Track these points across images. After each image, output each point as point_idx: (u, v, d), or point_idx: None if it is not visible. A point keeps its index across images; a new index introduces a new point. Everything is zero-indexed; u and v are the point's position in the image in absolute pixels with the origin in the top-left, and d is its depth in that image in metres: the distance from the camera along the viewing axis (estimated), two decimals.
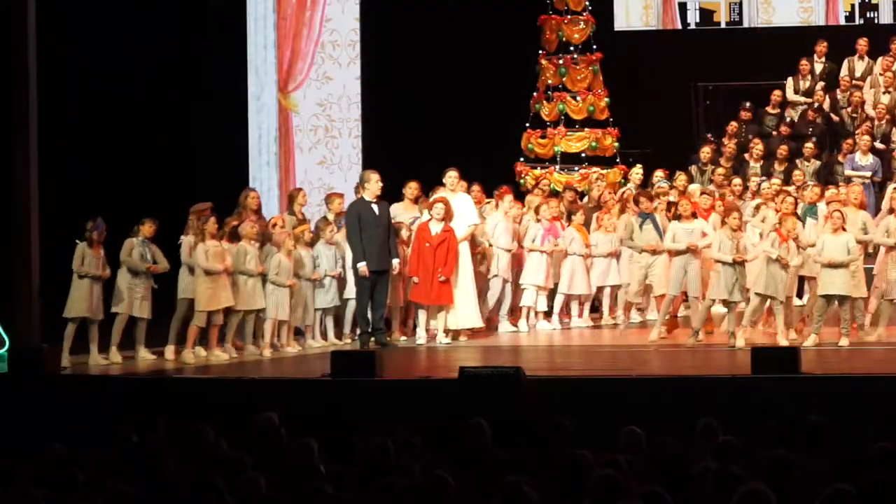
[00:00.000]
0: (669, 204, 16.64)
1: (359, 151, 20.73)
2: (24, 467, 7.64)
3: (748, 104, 20.43)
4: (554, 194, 18.53)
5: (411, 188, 16.23)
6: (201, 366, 14.43)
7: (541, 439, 8.83)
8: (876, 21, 21.63)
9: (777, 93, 20.60)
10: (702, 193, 17.07)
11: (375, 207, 15.51)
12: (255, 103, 20.77)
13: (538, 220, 16.95)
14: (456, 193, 16.10)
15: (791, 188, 17.49)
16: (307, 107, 20.80)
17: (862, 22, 21.66)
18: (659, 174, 18.57)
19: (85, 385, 13.47)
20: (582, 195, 19.05)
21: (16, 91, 14.68)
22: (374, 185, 15.55)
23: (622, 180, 19.63)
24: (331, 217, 16.31)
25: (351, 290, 15.92)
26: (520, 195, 18.18)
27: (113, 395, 12.83)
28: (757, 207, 16.75)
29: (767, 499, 6.36)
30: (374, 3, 20.82)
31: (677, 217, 15.64)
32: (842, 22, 21.75)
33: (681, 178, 18.12)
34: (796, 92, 20.61)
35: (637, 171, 18.93)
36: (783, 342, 14.34)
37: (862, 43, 20.63)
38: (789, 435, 8.70)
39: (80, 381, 13.65)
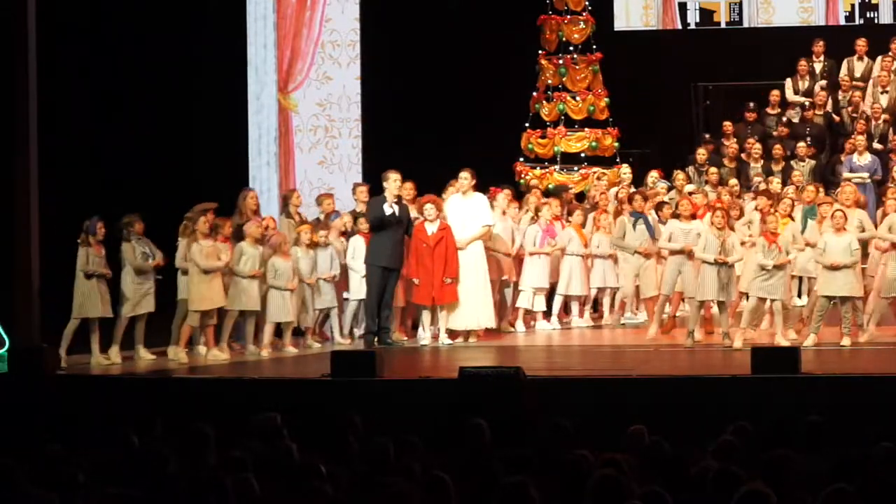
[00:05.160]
0: (660, 204, 16.63)
1: (359, 151, 20.72)
2: (24, 467, 7.63)
3: (752, 104, 20.42)
4: (549, 194, 18.46)
5: (406, 189, 16.20)
6: (201, 366, 14.44)
7: (541, 439, 8.82)
8: (876, 21, 21.63)
9: (775, 93, 20.59)
10: (692, 193, 17.07)
11: (395, 207, 15.57)
12: (255, 103, 20.77)
13: (535, 221, 16.93)
14: (468, 195, 16.08)
15: (790, 189, 17.50)
16: (307, 107, 20.79)
17: (862, 22, 21.66)
18: (654, 175, 18.59)
19: (85, 385, 13.47)
20: (581, 195, 19.04)
21: (16, 91, 14.67)
22: (393, 184, 15.64)
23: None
24: (322, 217, 16.31)
25: (356, 291, 15.94)
26: (519, 195, 18.17)
27: (113, 395, 12.83)
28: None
29: (767, 499, 6.36)
30: (374, 3, 20.82)
31: (676, 216, 15.64)
32: (842, 22, 21.74)
33: (679, 177, 18.12)
34: (796, 92, 20.60)
35: (625, 171, 18.98)
36: (783, 342, 14.33)
37: (861, 43, 20.63)
38: (789, 435, 8.70)
39: (80, 381, 13.64)
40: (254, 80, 20.71)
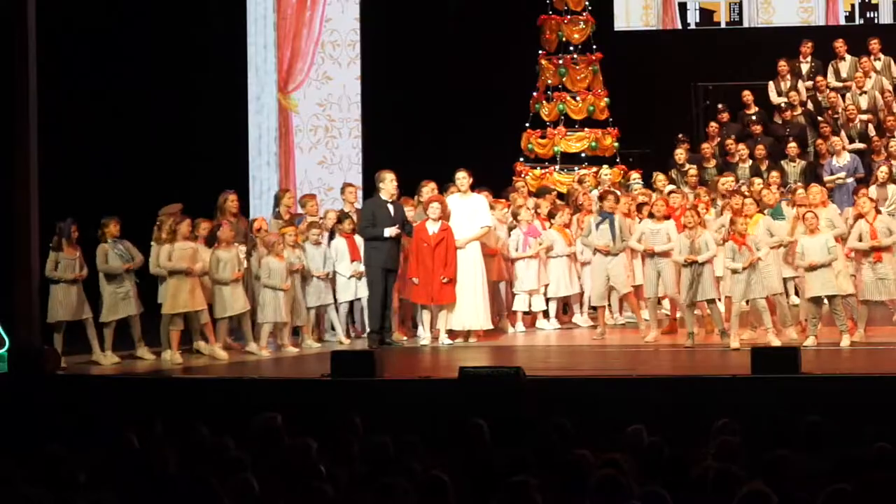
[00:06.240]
0: (640, 205, 16.59)
1: (359, 151, 20.74)
2: (24, 467, 7.63)
3: (721, 106, 20.37)
4: (536, 196, 18.40)
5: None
6: (200, 366, 14.43)
7: (541, 439, 8.82)
8: (876, 21, 21.63)
9: (746, 93, 20.41)
10: (671, 193, 17.03)
11: (391, 207, 15.55)
12: (255, 103, 20.78)
13: (515, 226, 16.86)
14: (468, 195, 16.05)
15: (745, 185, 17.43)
16: (307, 107, 20.81)
17: (862, 22, 21.66)
18: (635, 175, 18.56)
19: (85, 385, 13.47)
20: (561, 196, 18.89)
21: (16, 91, 14.67)
22: (389, 184, 15.63)
23: (620, 180, 19.61)
24: (308, 219, 16.24)
25: (343, 293, 15.93)
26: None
27: (112, 395, 12.83)
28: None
29: (767, 499, 6.36)
30: (374, 3, 20.83)
31: (650, 216, 15.63)
32: (842, 22, 21.75)
33: (660, 178, 18.00)
34: (779, 94, 20.53)
35: (605, 172, 18.95)
36: (774, 341, 14.31)
37: (838, 44, 20.60)
38: (789, 435, 8.70)
39: (80, 381, 13.65)
40: (254, 80, 20.72)
